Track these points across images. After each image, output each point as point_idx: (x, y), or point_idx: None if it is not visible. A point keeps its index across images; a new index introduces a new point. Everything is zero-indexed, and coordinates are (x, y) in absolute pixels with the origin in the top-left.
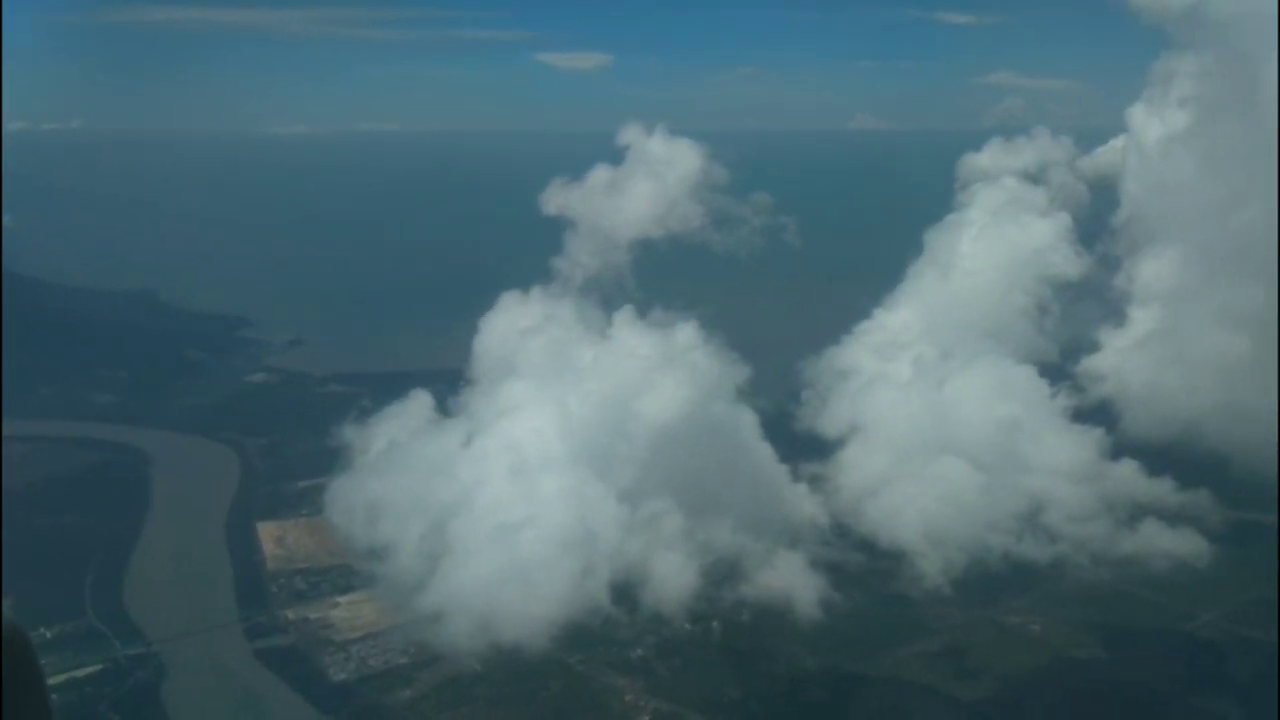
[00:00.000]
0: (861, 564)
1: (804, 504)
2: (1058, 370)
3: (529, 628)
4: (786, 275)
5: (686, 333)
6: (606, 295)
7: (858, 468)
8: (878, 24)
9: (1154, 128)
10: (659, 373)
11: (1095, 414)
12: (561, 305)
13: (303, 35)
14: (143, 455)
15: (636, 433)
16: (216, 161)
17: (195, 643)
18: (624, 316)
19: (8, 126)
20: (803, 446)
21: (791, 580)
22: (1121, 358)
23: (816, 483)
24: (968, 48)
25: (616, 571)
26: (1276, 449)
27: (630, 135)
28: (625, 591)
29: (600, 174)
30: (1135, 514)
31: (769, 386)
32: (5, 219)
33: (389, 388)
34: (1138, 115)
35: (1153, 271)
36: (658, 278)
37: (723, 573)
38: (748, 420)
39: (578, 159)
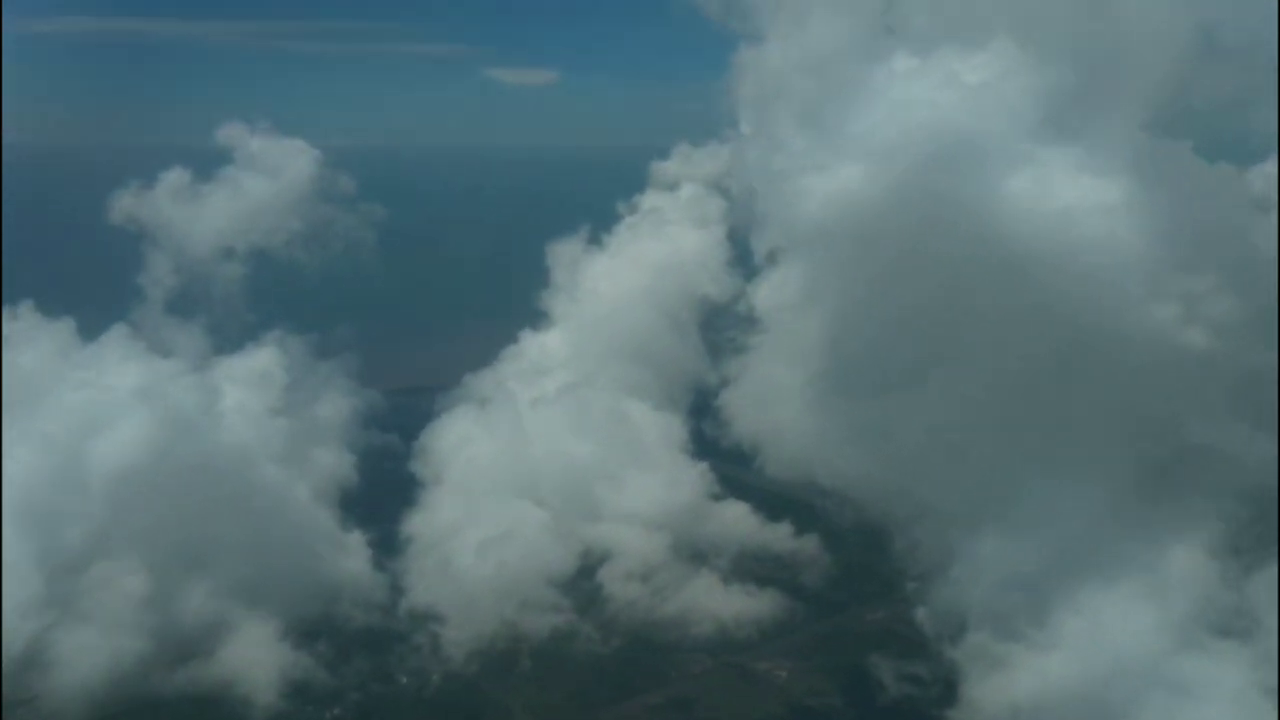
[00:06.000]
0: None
1: (350, 561)
2: (702, 401)
3: None
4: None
5: (259, 359)
6: (203, 314)
7: (436, 514)
8: None
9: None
10: (151, 409)
11: (732, 450)
12: (43, 326)
13: (237, 49)
14: None
15: (97, 481)
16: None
17: None
18: (116, 337)
19: None
20: (408, 489)
21: (251, 656)
22: (753, 389)
23: (396, 534)
24: None
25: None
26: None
27: (232, 136)
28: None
29: (179, 179)
30: (716, 565)
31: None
32: None
33: None
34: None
35: (761, 294)
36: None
37: (178, 646)
38: (315, 464)
39: (511, 169)
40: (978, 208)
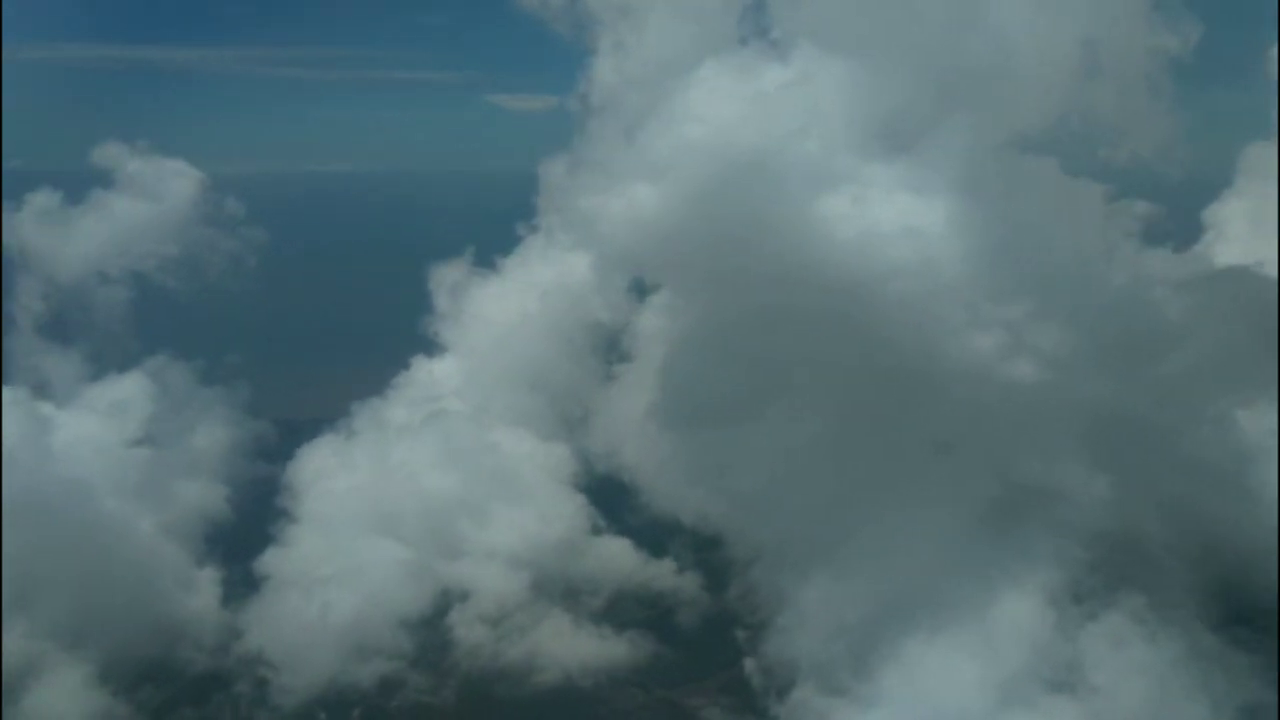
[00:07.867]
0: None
1: (197, 601)
2: (594, 431)
3: None
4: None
5: (123, 387)
6: (83, 341)
7: (293, 551)
8: None
9: None
10: None
11: (621, 482)
12: None
13: (239, 76)
14: None
15: None
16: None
17: None
18: None
19: None
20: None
21: (62, 702)
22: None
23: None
24: None
25: None
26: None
27: (110, 156)
28: None
29: (47, 200)
30: (588, 603)
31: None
32: None
33: None
34: None
35: (641, 320)
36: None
37: None
38: (176, 498)
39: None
40: (774, 227)
